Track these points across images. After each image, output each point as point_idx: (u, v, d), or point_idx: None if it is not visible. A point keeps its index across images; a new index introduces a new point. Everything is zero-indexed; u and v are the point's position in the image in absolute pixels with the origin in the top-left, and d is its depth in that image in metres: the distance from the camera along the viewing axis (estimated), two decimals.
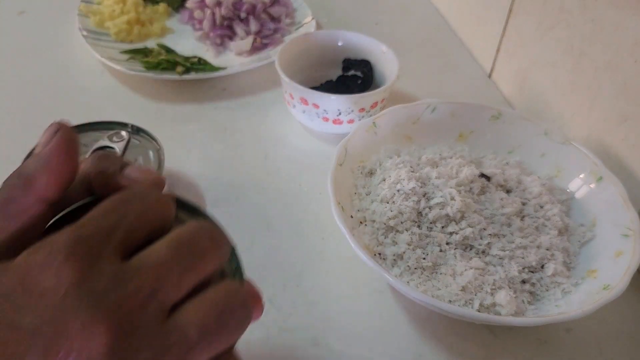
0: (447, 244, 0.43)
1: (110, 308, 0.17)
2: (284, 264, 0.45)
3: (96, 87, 0.64)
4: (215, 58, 0.68)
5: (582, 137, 0.53)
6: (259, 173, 0.54)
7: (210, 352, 0.20)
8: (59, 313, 0.17)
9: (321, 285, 0.44)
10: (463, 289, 0.39)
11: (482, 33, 0.71)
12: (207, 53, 0.68)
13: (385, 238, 0.43)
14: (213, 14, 0.70)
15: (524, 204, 0.46)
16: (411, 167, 0.47)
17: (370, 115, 0.53)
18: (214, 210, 0.49)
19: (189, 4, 0.74)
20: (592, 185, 0.46)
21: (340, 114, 0.54)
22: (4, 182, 0.23)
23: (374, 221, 0.44)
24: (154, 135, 0.48)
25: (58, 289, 0.18)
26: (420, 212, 0.44)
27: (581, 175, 0.47)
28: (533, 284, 0.41)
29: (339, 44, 0.62)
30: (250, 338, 0.40)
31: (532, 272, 0.42)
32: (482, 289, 0.40)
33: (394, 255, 0.42)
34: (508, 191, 0.48)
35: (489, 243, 0.43)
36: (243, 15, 0.71)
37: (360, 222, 0.45)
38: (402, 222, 0.43)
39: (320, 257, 0.46)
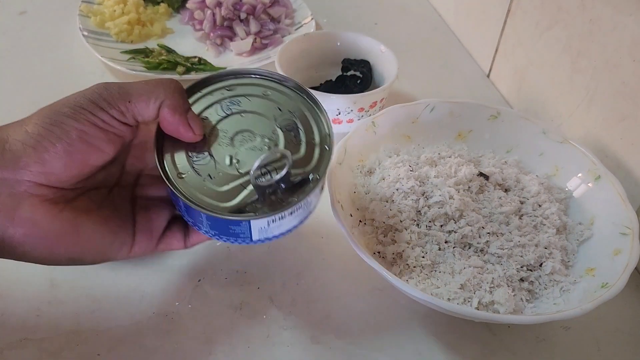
0: (446, 242, 0.43)
1: None
2: (283, 262, 0.45)
3: None
4: (216, 58, 0.68)
5: (580, 136, 0.53)
6: None
7: None
8: None
9: (321, 284, 0.44)
10: (462, 287, 0.40)
11: (481, 33, 0.71)
12: (207, 53, 0.69)
13: (384, 237, 0.43)
14: (213, 14, 0.71)
15: (522, 202, 0.47)
16: (410, 166, 0.47)
17: (370, 115, 0.54)
18: None
19: (189, 5, 0.74)
20: (590, 184, 0.46)
21: (339, 113, 0.54)
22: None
23: (373, 220, 0.45)
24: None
25: None
26: (419, 211, 0.44)
27: (579, 174, 0.47)
28: (531, 282, 0.41)
29: (338, 44, 0.62)
30: (251, 336, 0.40)
31: (531, 270, 0.42)
32: (480, 287, 0.40)
33: (393, 253, 0.42)
34: (506, 190, 0.48)
35: (487, 241, 0.43)
36: (243, 15, 0.71)
37: (360, 221, 0.45)
38: (401, 221, 0.43)
39: (319, 255, 0.46)
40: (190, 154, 0.33)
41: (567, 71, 0.54)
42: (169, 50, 0.68)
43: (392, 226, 0.44)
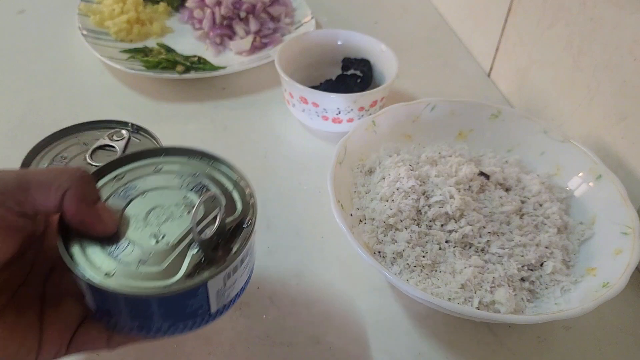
0: (447, 242, 0.43)
1: None
2: (283, 262, 0.45)
3: (96, 86, 0.64)
4: (215, 57, 0.68)
5: (581, 136, 0.53)
6: (259, 172, 0.54)
7: None
8: None
9: (321, 284, 0.44)
10: (462, 286, 0.40)
11: (481, 32, 0.71)
12: (206, 52, 0.69)
13: (384, 236, 0.43)
14: (213, 13, 0.71)
15: (523, 202, 0.46)
16: (410, 165, 0.47)
17: (370, 114, 0.54)
18: None
19: (188, 4, 0.74)
20: (592, 184, 0.46)
21: (339, 112, 0.54)
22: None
23: (373, 219, 0.44)
24: (154, 134, 0.48)
25: None
26: (420, 211, 0.44)
27: (580, 174, 0.47)
28: (532, 282, 0.41)
29: (339, 43, 0.62)
30: (250, 336, 0.40)
31: (532, 270, 0.42)
32: (481, 286, 0.40)
33: (393, 253, 0.42)
34: (507, 189, 0.48)
35: (488, 241, 0.43)
36: (243, 14, 0.71)
37: (360, 221, 0.45)
38: (401, 220, 0.43)
39: (319, 255, 0.46)
40: (106, 248, 0.29)
41: (568, 70, 0.54)
42: (169, 49, 0.68)
43: (392, 225, 0.43)
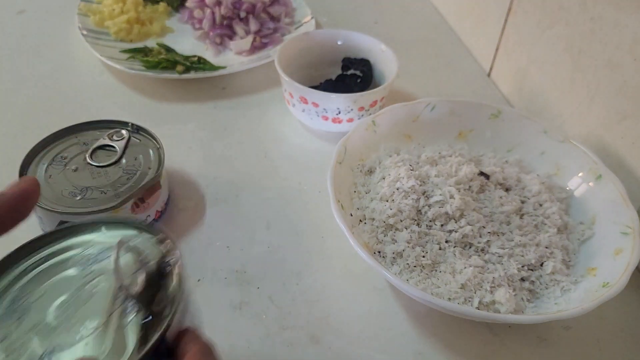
0: (447, 242, 0.43)
1: None
2: (283, 262, 0.45)
3: (96, 86, 0.64)
4: (215, 57, 0.68)
5: (581, 136, 0.53)
6: (259, 172, 0.54)
7: None
8: None
9: (321, 284, 0.44)
10: (462, 286, 0.40)
11: (481, 32, 0.71)
12: (206, 52, 0.68)
13: (384, 236, 0.43)
14: (213, 13, 0.71)
15: (523, 202, 0.46)
16: (410, 165, 0.47)
17: (370, 114, 0.54)
18: (213, 209, 0.49)
19: (188, 3, 0.74)
20: (592, 184, 0.46)
21: (339, 112, 0.54)
22: None
23: (373, 219, 0.44)
24: (154, 133, 0.48)
25: None
26: (420, 210, 0.44)
27: (580, 174, 0.47)
28: (532, 282, 0.41)
29: (339, 43, 0.62)
30: (250, 336, 0.40)
31: (532, 270, 0.42)
32: (481, 286, 0.40)
33: (393, 253, 0.42)
34: (507, 189, 0.48)
35: (488, 241, 0.43)
36: (243, 14, 0.71)
37: (360, 221, 0.45)
38: (401, 220, 0.43)
39: (319, 255, 0.46)
40: None
41: (568, 70, 0.54)
42: (168, 49, 0.67)
43: (392, 225, 0.43)
